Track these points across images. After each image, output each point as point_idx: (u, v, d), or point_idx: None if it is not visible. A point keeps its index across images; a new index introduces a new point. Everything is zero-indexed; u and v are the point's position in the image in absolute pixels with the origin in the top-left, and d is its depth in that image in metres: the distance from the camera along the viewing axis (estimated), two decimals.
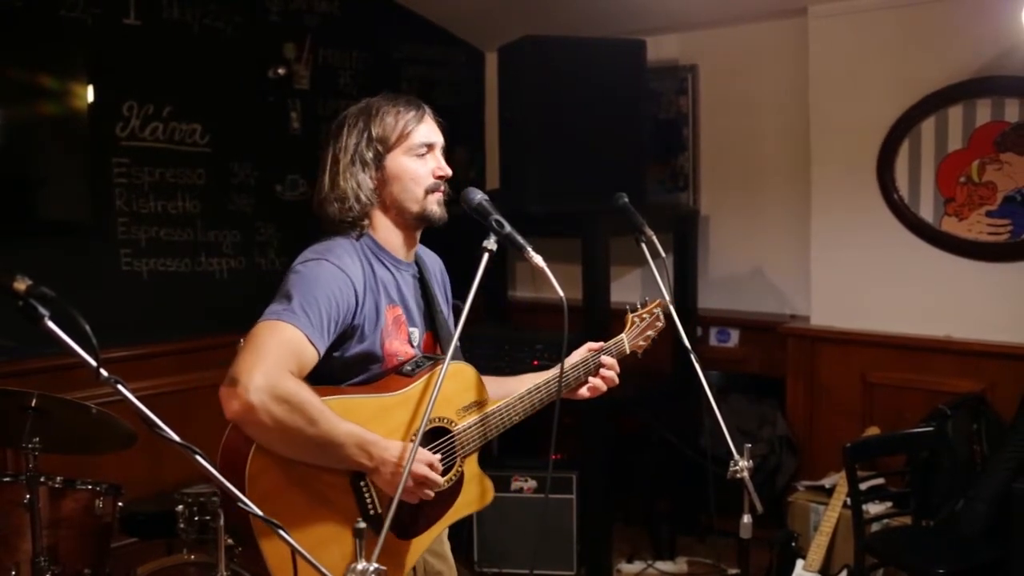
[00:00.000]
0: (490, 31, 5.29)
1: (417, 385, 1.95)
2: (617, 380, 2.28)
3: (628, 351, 2.37)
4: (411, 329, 2.05)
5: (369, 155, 1.99)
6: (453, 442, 2.00)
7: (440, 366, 1.89)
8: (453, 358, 1.90)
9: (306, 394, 1.75)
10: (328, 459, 1.81)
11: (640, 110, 4.34)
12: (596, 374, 2.25)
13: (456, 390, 2.01)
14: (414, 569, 2.09)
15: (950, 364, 4.04)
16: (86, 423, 2.90)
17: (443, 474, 1.95)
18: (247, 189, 4.59)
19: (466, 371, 2.05)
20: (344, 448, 1.80)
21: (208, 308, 4.41)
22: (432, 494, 1.89)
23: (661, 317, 2.46)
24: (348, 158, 1.99)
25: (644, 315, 2.42)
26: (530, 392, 2.12)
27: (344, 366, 1.94)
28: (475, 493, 2.07)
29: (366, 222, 2.02)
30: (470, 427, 2.02)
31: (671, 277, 4.59)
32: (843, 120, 4.27)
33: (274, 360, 1.73)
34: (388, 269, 2.02)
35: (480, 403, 2.05)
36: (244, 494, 1.68)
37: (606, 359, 2.26)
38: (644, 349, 2.43)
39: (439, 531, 2.03)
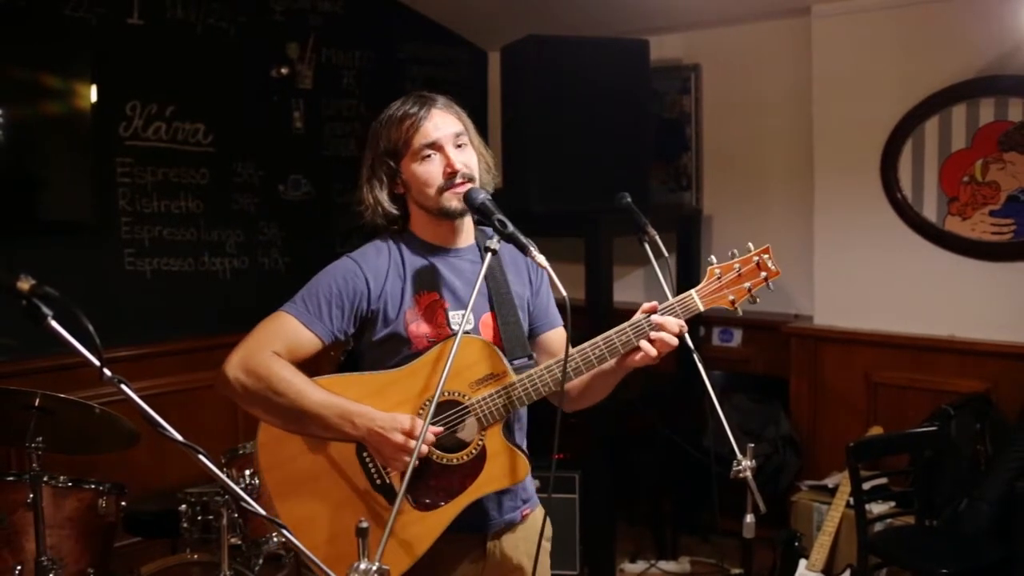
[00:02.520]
0: (493, 31, 5.28)
1: (421, 360, 1.97)
2: (674, 342, 1.97)
3: (702, 308, 2.01)
4: (455, 312, 2.04)
5: (383, 171, 2.05)
6: (466, 414, 1.98)
7: (448, 339, 1.94)
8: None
9: (277, 368, 1.90)
10: (314, 429, 1.92)
11: (643, 110, 4.34)
12: (649, 338, 1.97)
13: (466, 363, 1.97)
14: (485, 558, 2.09)
15: (953, 364, 4.03)
16: (89, 422, 2.90)
17: (458, 447, 1.96)
18: (250, 189, 4.59)
19: (477, 344, 2.00)
20: (323, 419, 1.89)
21: (211, 308, 4.42)
22: (409, 460, 1.79)
23: (769, 264, 2.06)
24: (366, 176, 2.08)
25: (735, 264, 2.04)
26: (558, 362, 1.97)
27: (377, 349, 2.02)
28: (503, 468, 2.00)
29: (397, 225, 2.10)
30: (486, 399, 1.98)
31: (674, 277, 4.57)
32: (846, 119, 4.26)
33: (255, 341, 1.94)
34: (425, 258, 2.06)
35: (497, 375, 1.99)
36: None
37: (658, 319, 1.96)
38: (737, 304, 2.04)
39: (463, 505, 1.97)
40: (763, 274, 2.06)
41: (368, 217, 2.09)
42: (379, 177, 2.06)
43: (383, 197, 2.06)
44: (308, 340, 1.96)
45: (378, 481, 1.95)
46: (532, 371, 2.00)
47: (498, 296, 2.09)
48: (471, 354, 1.98)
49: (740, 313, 2.06)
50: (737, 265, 2.05)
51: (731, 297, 2.04)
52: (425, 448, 1.89)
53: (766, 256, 2.06)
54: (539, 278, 2.23)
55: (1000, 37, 3.81)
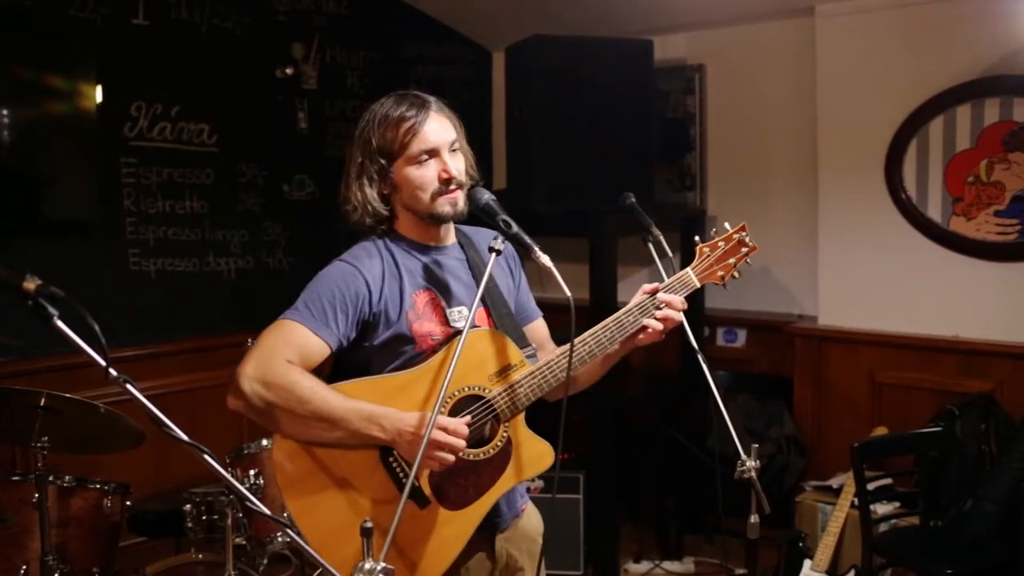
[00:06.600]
0: (498, 30, 5.29)
1: (435, 358, 1.96)
2: (679, 318, 2.10)
3: (698, 284, 2.18)
4: (452, 309, 2.05)
5: (374, 169, 2.03)
6: (491, 407, 1.98)
7: (455, 337, 1.93)
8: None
9: (295, 376, 1.84)
10: (341, 437, 1.86)
11: (648, 110, 4.33)
12: (655, 316, 2.09)
13: (483, 356, 1.99)
14: (495, 559, 2.09)
15: (958, 364, 4.03)
16: (95, 422, 2.91)
17: (482, 441, 1.96)
18: (255, 189, 4.60)
19: (491, 336, 2.02)
20: (350, 424, 1.84)
21: (216, 308, 4.43)
22: (452, 458, 1.84)
23: (748, 240, 2.25)
24: (355, 172, 2.06)
25: (719, 243, 2.22)
26: (564, 353, 2.01)
27: (378, 352, 1.99)
28: (528, 458, 2.02)
29: (384, 225, 2.08)
30: (508, 390, 1.98)
31: None
32: (851, 119, 4.26)
33: (267, 351, 1.86)
34: (416, 257, 2.06)
35: (515, 366, 2.01)
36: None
37: (664, 296, 2.09)
38: (725, 279, 2.22)
39: (493, 500, 1.98)
40: (744, 249, 2.25)
41: (355, 217, 2.07)
42: (369, 175, 2.04)
43: (373, 195, 2.04)
44: (318, 347, 1.90)
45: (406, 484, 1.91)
46: (549, 359, 2.03)
47: (488, 289, 2.10)
48: (485, 348, 2.00)
49: (727, 288, 2.26)
50: (721, 243, 2.23)
51: (720, 273, 2.22)
52: (462, 443, 1.86)
53: (744, 233, 2.26)
54: (518, 270, 2.29)
55: (1005, 37, 3.80)
